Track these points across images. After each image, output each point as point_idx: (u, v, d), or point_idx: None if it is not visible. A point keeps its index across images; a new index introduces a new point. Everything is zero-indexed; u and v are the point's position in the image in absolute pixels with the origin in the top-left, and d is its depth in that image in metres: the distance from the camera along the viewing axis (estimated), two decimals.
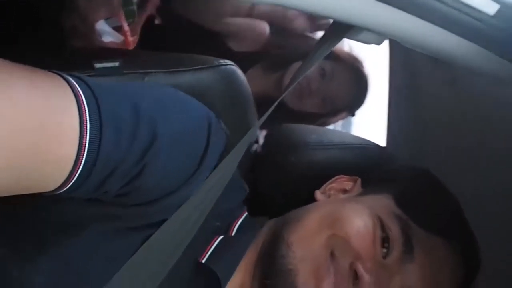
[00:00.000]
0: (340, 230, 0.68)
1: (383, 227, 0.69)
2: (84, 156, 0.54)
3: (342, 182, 0.81)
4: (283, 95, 0.75)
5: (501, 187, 0.86)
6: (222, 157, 0.67)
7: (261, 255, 0.70)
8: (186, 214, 0.63)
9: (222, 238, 0.70)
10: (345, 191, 0.79)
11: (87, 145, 0.53)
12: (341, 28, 0.77)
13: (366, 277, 0.64)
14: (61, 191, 0.56)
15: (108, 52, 1.02)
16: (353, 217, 0.69)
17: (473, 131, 0.93)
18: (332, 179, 0.81)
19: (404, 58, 1.19)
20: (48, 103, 0.52)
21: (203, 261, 0.67)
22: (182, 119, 0.63)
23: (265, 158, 0.91)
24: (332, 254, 0.67)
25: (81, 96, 0.54)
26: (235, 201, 0.76)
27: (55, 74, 0.56)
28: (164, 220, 0.62)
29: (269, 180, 0.89)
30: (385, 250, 0.68)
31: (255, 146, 0.95)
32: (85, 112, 0.54)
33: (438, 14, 0.70)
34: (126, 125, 0.56)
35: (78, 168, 0.54)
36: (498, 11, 0.70)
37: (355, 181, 0.80)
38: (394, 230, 0.69)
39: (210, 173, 0.65)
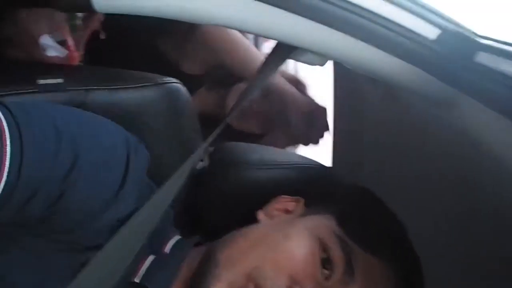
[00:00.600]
0: (271, 260, 0.66)
1: (324, 248, 0.68)
2: (4, 180, 0.54)
3: (285, 202, 0.79)
4: (230, 116, 0.75)
5: (440, 205, 0.87)
6: (143, 178, 0.68)
7: (193, 275, 0.69)
8: (124, 238, 0.63)
9: (155, 257, 0.69)
10: (288, 211, 0.78)
11: (6, 169, 0.54)
12: (285, 50, 0.77)
13: None
14: None
15: (51, 67, 1.00)
16: (289, 244, 0.68)
17: (415, 150, 0.95)
18: (275, 200, 0.79)
19: (347, 78, 1.21)
20: None
21: (138, 280, 0.66)
22: (100, 142, 0.64)
23: (206, 177, 0.90)
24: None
25: (1, 120, 0.55)
26: (166, 220, 0.75)
27: None
28: (99, 245, 0.62)
29: (210, 199, 0.88)
30: (327, 271, 0.67)
31: (200, 165, 0.94)
32: (5, 137, 0.54)
33: (380, 37, 0.71)
34: (48, 146, 0.57)
35: None
36: (439, 35, 0.72)
37: (298, 201, 0.79)
38: (336, 251, 0.68)
39: (135, 193, 0.65)
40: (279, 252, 0.67)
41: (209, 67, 1.48)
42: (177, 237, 0.74)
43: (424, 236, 0.79)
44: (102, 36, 1.19)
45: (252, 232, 0.72)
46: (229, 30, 1.34)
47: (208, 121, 1.21)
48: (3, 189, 0.54)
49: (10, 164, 0.54)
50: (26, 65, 1.02)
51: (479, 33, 0.73)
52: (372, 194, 0.80)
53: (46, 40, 1.08)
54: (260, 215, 0.77)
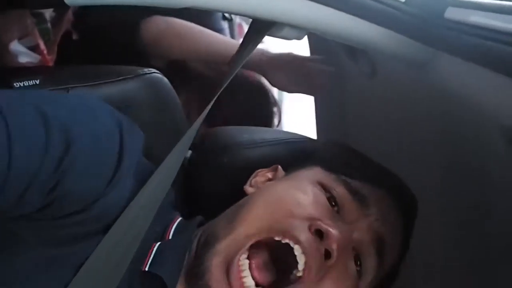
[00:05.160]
0: (285, 210, 0.68)
1: (325, 189, 0.71)
2: None
3: (263, 174, 0.82)
4: (216, 95, 0.76)
5: (429, 166, 0.90)
6: (140, 158, 0.68)
7: (193, 258, 0.69)
8: (129, 220, 0.63)
9: (160, 244, 0.69)
10: (269, 179, 0.81)
11: None
12: (263, 26, 0.78)
13: (331, 231, 0.64)
14: None
15: (27, 70, 0.99)
16: (292, 192, 0.70)
17: (398, 118, 0.97)
18: (253, 174, 0.82)
19: (323, 56, 1.22)
20: None
21: (147, 269, 0.65)
22: (91, 123, 0.62)
23: (199, 162, 0.91)
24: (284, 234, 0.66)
25: None
26: (167, 203, 0.75)
27: None
28: (105, 226, 0.62)
29: (205, 183, 0.89)
30: (335, 208, 0.70)
31: (189, 153, 0.95)
32: None
33: (354, 4, 0.73)
34: (37, 136, 0.55)
35: None
36: None
37: (275, 169, 0.81)
38: (338, 188, 0.71)
39: (133, 173, 0.65)
40: (287, 202, 0.68)
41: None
42: (178, 219, 0.74)
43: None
44: (75, 36, 1.19)
45: (247, 200, 0.73)
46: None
47: None
48: None
49: None
50: (0, 70, 1.01)
51: None
52: (343, 142, 0.85)
53: (17, 46, 1.07)
54: (248, 189, 0.79)
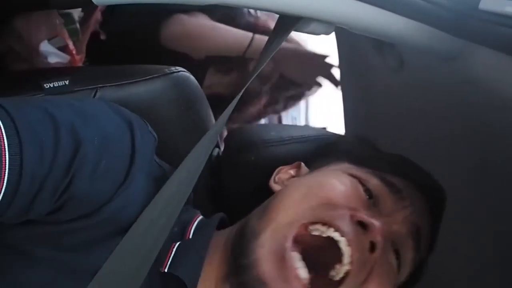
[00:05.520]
0: (323, 196, 0.66)
1: (360, 182, 0.69)
2: (6, 177, 0.52)
3: (286, 171, 0.80)
4: (240, 93, 0.75)
5: (459, 163, 0.87)
6: (152, 159, 0.68)
7: (231, 253, 0.67)
8: (148, 222, 0.62)
9: (180, 243, 0.68)
10: (292, 176, 0.79)
11: (7, 165, 0.52)
12: (289, 22, 0.77)
13: (375, 223, 0.62)
14: None
15: (56, 71, 1.00)
16: (328, 180, 0.69)
17: (428, 114, 0.95)
18: (276, 171, 0.80)
19: (351, 50, 1.20)
20: None
21: (166, 270, 0.64)
22: (100, 125, 0.62)
23: (225, 159, 0.91)
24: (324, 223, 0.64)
25: None
26: (187, 203, 0.74)
27: None
28: (117, 230, 0.62)
29: (231, 181, 0.89)
30: (371, 200, 0.68)
31: (216, 151, 0.94)
32: (1, 132, 0.53)
33: None
34: (47, 138, 0.56)
35: (1, 190, 0.53)
36: None
37: (298, 166, 0.80)
38: (373, 181, 0.70)
39: (145, 174, 0.65)
40: (325, 189, 0.67)
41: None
42: (199, 218, 0.73)
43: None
44: (102, 36, 1.19)
45: (279, 193, 0.72)
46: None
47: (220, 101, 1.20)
48: (6, 189, 0.53)
49: (10, 162, 0.52)
50: (30, 72, 1.02)
51: None
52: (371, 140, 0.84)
53: (46, 47, 1.08)
54: (273, 185, 0.78)
